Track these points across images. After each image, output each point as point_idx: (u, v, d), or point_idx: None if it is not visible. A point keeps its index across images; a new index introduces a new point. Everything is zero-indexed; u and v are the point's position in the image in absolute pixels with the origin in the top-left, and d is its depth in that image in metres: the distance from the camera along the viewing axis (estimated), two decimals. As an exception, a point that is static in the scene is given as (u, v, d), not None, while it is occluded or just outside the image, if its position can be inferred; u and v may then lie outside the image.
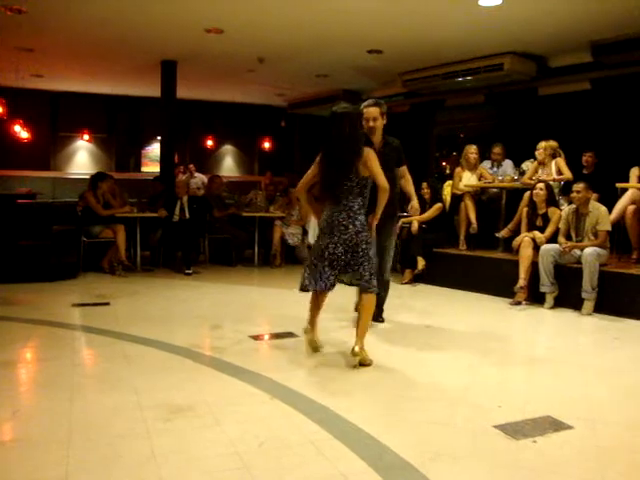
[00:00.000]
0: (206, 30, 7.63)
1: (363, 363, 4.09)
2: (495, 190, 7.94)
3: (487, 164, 8.18)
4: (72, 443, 2.82)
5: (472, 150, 8.00)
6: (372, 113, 4.91)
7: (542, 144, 7.27)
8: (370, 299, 4.20)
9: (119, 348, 4.52)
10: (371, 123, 4.91)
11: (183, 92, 10.31)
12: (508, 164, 8.02)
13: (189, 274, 8.15)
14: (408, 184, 5.44)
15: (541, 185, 6.66)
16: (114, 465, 2.62)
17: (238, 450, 2.76)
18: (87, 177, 9.04)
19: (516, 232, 6.92)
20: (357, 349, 4.07)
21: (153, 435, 2.92)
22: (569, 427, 3.11)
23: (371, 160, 4.14)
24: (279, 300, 6.76)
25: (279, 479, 2.52)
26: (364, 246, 4.12)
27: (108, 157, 13.97)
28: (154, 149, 13.90)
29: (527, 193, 6.92)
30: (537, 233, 6.52)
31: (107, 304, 6.14)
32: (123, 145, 14.03)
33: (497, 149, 8.13)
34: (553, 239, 6.41)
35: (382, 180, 4.13)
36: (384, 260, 5.26)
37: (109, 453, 2.73)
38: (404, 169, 5.30)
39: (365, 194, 4.20)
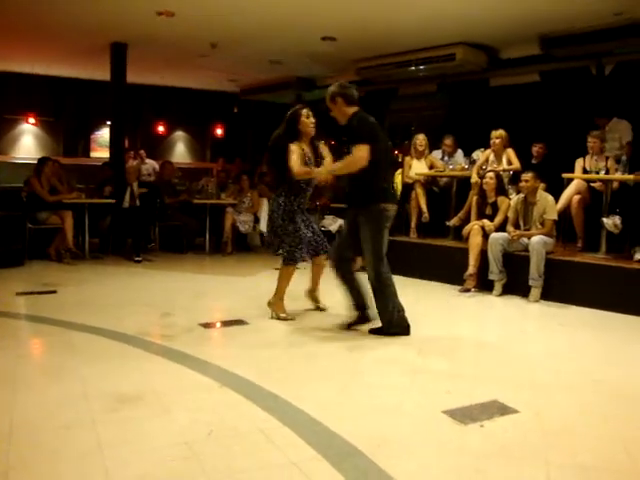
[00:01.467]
0: (157, 13, 7.46)
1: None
2: (446, 179, 8.04)
3: (438, 154, 8.27)
4: (14, 437, 2.73)
5: (420, 138, 8.11)
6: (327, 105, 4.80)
7: (497, 133, 7.36)
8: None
9: (65, 337, 4.41)
10: (332, 113, 4.78)
11: (134, 76, 10.07)
12: (459, 154, 8.13)
13: (139, 261, 8.02)
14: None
15: (491, 174, 6.77)
16: (58, 458, 2.55)
17: (187, 439, 2.73)
18: (33, 162, 8.76)
19: (466, 220, 7.03)
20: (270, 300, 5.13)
21: (99, 425, 2.85)
22: (515, 411, 3.18)
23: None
24: (230, 288, 6.71)
25: (228, 468, 2.50)
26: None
27: (55, 142, 13.59)
28: (103, 134, 13.59)
29: (477, 181, 7.02)
30: (486, 221, 6.62)
31: (54, 292, 5.99)
32: (71, 130, 13.67)
33: (448, 141, 8.24)
34: (502, 227, 6.53)
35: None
36: (368, 264, 4.70)
37: (53, 445, 2.66)
38: (352, 149, 4.50)
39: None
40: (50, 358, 4.02)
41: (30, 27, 8.50)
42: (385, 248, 4.63)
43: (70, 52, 10.19)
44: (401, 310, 4.68)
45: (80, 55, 10.35)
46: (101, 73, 10.15)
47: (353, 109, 4.63)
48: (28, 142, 13.34)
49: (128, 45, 9.32)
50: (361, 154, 4.41)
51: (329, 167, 4.86)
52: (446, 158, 8.17)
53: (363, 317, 4.80)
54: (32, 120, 13.15)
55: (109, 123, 10.62)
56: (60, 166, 8.50)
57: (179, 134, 14.80)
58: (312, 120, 5.06)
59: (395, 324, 4.63)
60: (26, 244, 7.80)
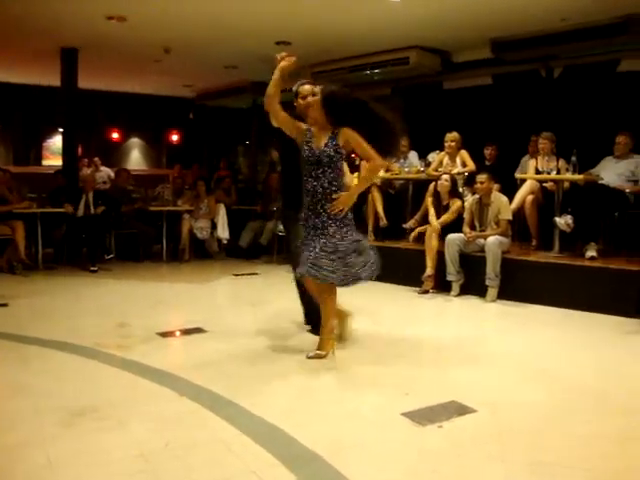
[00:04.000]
0: (108, 17, 7.34)
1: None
2: (402, 181, 8.10)
3: (393, 156, 8.32)
4: (-39, 454, 2.65)
5: None
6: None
7: (452, 135, 7.46)
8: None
9: (18, 351, 4.29)
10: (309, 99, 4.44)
11: (86, 82, 9.89)
12: (413, 155, 8.19)
13: (94, 271, 7.86)
14: None
15: (446, 177, 6.85)
16: (6, 477, 2.47)
17: (143, 452, 2.67)
18: (-18, 171, 8.51)
19: (423, 223, 7.08)
20: None
21: (52, 441, 2.78)
22: (473, 411, 3.21)
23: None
24: (188, 296, 6.63)
25: (186, 478, 2.46)
26: None
27: (5, 150, 13.26)
28: (56, 142, 13.31)
29: (432, 184, 7.09)
30: (432, 221, 6.69)
31: (5, 305, 5.80)
32: (21, 137, 13.35)
33: (403, 142, 8.28)
34: (457, 229, 6.60)
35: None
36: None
37: (2, 465, 2.58)
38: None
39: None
40: (1, 373, 3.90)
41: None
42: None
43: (18, 57, 9.96)
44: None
45: (29, 60, 10.12)
46: (52, 79, 9.94)
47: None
48: (-24, 150, 12.99)
49: (79, 50, 9.15)
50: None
51: (356, 188, 4.39)
52: (402, 160, 8.23)
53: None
54: (-21, 128, 12.81)
55: (61, 130, 10.39)
56: (10, 175, 8.28)
57: (134, 141, 14.61)
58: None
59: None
60: (-25, 256, 7.57)
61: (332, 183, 4.04)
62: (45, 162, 13.60)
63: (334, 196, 4.03)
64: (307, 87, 4.60)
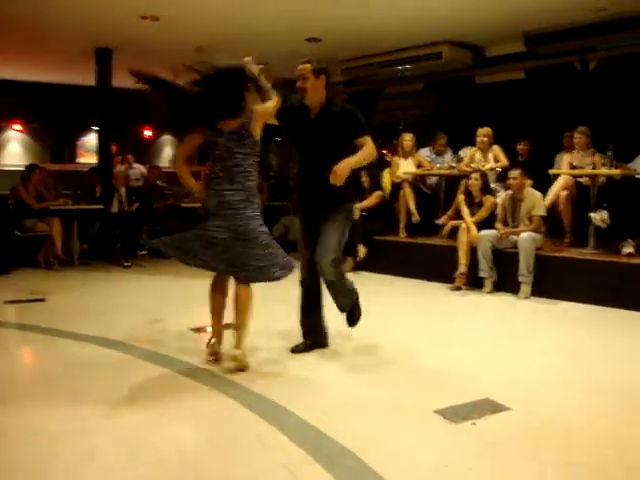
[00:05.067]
0: (141, 17, 7.45)
1: (241, 369, 3.72)
2: (435, 178, 8.07)
3: (426, 152, 8.28)
4: (3, 446, 2.72)
5: (407, 138, 8.13)
6: (300, 70, 4.08)
7: (484, 131, 7.40)
8: (247, 292, 3.86)
9: (55, 346, 4.38)
10: (299, 83, 4.09)
11: (120, 81, 10.00)
12: (449, 154, 8.15)
13: (128, 267, 7.99)
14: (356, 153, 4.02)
15: (476, 175, 6.79)
16: (50, 466, 2.54)
17: (181, 446, 2.72)
18: (20, 169, 8.72)
19: (455, 218, 7.03)
20: (238, 353, 3.71)
21: (92, 433, 2.84)
22: (507, 409, 3.18)
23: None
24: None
25: (224, 473, 2.50)
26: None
27: (42, 148, 13.52)
28: (90, 140, 13.52)
29: (463, 181, 7.04)
30: (467, 219, 6.64)
31: (42, 300, 5.94)
32: (57, 136, 13.59)
33: (441, 141, 8.28)
34: (490, 225, 6.54)
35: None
36: (320, 256, 4.07)
37: (45, 454, 2.64)
38: (362, 140, 4.00)
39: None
40: (40, 367, 4.00)
41: (14, 34, 8.46)
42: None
43: (55, 58, 10.15)
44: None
45: (65, 61, 10.31)
46: (87, 78, 10.09)
47: (326, 94, 4.08)
48: (15, 149, 13.26)
49: (113, 50, 9.28)
50: (373, 145, 4.05)
51: (349, 160, 3.91)
52: (433, 156, 8.19)
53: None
54: (18, 127, 13.07)
55: (96, 128, 10.55)
56: (47, 173, 8.45)
57: (166, 138, 14.75)
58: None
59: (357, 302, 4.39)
60: (14, 252, 7.74)
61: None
62: (80, 160, 13.83)
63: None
64: (300, 67, 4.15)
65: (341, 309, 4.31)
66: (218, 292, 4.02)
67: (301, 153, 4.25)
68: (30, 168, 8.22)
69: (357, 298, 4.39)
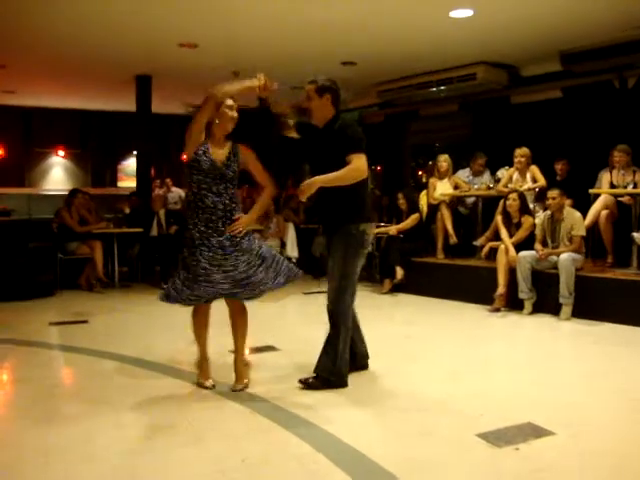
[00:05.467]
0: (180, 45, 7.63)
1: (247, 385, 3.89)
2: (472, 199, 8.03)
3: (464, 173, 8.25)
4: (49, 466, 2.77)
5: (442, 159, 8.13)
6: (305, 92, 4.07)
7: (521, 151, 7.35)
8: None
9: (98, 366, 4.46)
10: (305, 104, 4.11)
11: (159, 106, 10.26)
12: (488, 174, 8.10)
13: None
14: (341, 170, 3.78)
15: (514, 195, 6.73)
16: (94, 486, 2.58)
17: (221, 467, 2.73)
18: (63, 193, 8.97)
19: (494, 239, 6.97)
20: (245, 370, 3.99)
21: (134, 455, 2.88)
22: (551, 433, 3.13)
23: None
24: (259, 313, 6.67)
25: (263, 495, 2.51)
26: None
27: (83, 173, 13.87)
28: (130, 164, 13.82)
29: (502, 202, 6.99)
30: (505, 241, 6.58)
31: (85, 322, 6.07)
32: (98, 160, 13.93)
33: (480, 160, 8.23)
34: (529, 246, 6.47)
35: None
36: (331, 288, 3.99)
37: (88, 474, 2.69)
38: (349, 158, 3.77)
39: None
40: (83, 387, 4.07)
41: (58, 63, 8.75)
42: (356, 278, 4.02)
43: (96, 86, 10.45)
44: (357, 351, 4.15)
45: (106, 88, 10.60)
46: (127, 104, 10.37)
47: (334, 112, 4.00)
48: (58, 174, 13.62)
49: (152, 77, 9.51)
50: (363, 163, 3.79)
51: (320, 177, 3.79)
52: (471, 177, 8.15)
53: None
54: (61, 152, 13.45)
55: (135, 153, 10.79)
56: (89, 197, 8.66)
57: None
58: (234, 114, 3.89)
59: (336, 372, 3.91)
60: (57, 274, 7.92)
61: (233, 200, 3.80)
62: (120, 184, 14.13)
63: (236, 216, 3.78)
64: (306, 88, 4.14)
65: (322, 358, 3.97)
66: (204, 314, 4.13)
67: (311, 171, 4.17)
68: (73, 192, 8.44)
69: (338, 373, 3.91)
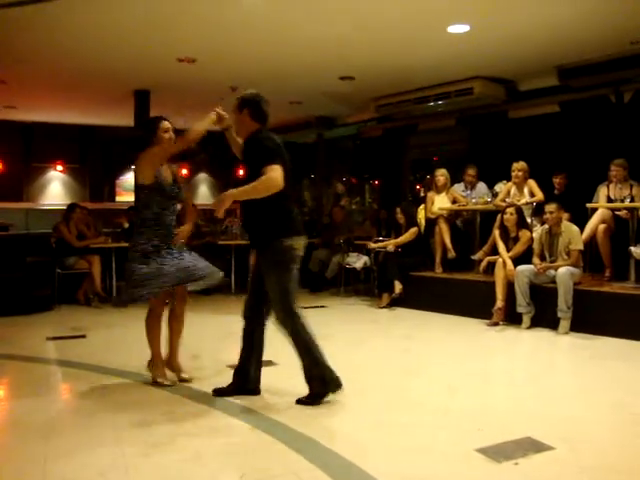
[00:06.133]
0: (178, 59, 7.66)
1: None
2: (469, 213, 8.04)
3: (460, 187, 8.27)
4: (49, 482, 2.76)
5: (440, 174, 8.18)
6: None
7: (519, 165, 7.39)
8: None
9: (96, 382, 4.45)
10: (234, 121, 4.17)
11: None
12: (482, 186, 8.12)
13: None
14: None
15: (511, 210, 6.75)
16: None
17: (219, 483, 2.72)
18: (61, 208, 8.97)
19: (492, 254, 6.98)
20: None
21: (132, 471, 2.86)
22: (550, 448, 3.12)
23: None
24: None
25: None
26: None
27: (82, 187, 13.89)
28: (128, 179, 13.85)
29: (499, 216, 7.00)
30: (503, 255, 6.59)
31: (83, 337, 6.05)
32: (97, 175, 13.96)
33: (471, 171, 8.23)
34: (527, 260, 6.48)
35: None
36: (276, 310, 3.98)
37: (87, 491, 2.67)
38: (263, 170, 3.70)
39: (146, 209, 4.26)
40: (82, 403, 4.05)
41: (56, 79, 8.79)
42: (295, 292, 3.93)
43: (95, 101, 10.49)
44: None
45: (105, 103, 10.64)
46: (125, 119, 10.39)
47: (257, 126, 3.97)
48: (56, 189, 13.65)
49: (150, 92, 9.55)
50: (276, 175, 3.68)
51: (232, 191, 3.84)
52: (468, 191, 8.17)
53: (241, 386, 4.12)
54: (60, 167, 13.47)
55: (133, 167, 10.80)
56: (88, 212, 8.66)
57: (202, 176, 15.02)
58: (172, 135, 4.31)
59: (328, 380, 3.89)
60: (55, 289, 7.91)
61: (175, 215, 4.41)
62: (118, 198, 14.15)
63: (180, 229, 4.41)
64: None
65: (304, 374, 3.94)
66: (158, 317, 4.55)
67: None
68: (71, 207, 8.44)
69: (328, 379, 3.88)
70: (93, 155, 13.86)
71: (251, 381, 4.11)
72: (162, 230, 4.24)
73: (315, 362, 3.87)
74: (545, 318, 6.27)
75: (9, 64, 7.92)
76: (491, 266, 6.77)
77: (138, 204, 4.46)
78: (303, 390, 4.03)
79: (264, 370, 4.65)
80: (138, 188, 4.36)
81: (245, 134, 4.02)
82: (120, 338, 6.10)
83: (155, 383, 4.31)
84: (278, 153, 3.82)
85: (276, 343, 5.68)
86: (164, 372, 4.39)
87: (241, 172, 14.58)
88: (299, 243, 3.88)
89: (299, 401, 3.88)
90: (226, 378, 4.52)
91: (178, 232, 4.38)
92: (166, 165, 4.35)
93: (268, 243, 3.86)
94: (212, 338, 6.11)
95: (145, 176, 4.18)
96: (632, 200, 6.52)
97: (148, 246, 4.19)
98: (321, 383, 3.87)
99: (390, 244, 7.99)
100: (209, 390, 4.15)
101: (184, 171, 13.87)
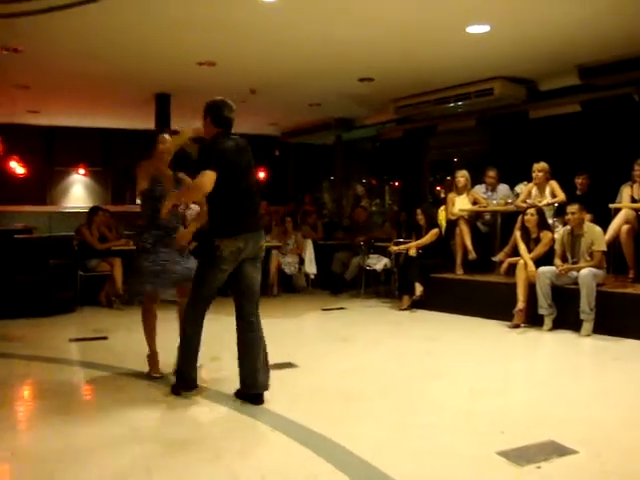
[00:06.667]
0: (199, 63, 7.71)
1: None
2: (490, 215, 7.99)
3: (481, 188, 8.21)
4: (71, 482, 2.79)
5: (460, 175, 8.12)
6: None
7: (539, 166, 7.33)
8: None
9: (118, 383, 4.49)
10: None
11: (178, 124, 10.35)
12: (503, 188, 8.04)
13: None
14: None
15: (532, 211, 6.69)
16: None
17: (239, 485, 2.73)
18: (83, 211, 9.06)
19: (513, 255, 6.92)
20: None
21: (153, 471, 2.88)
22: (573, 451, 3.08)
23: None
24: (277, 330, 6.69)
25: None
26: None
27: (104, 190, 14.02)
28: (150, 181, 13.93)
29: (520, 217, 6.94)
30: (524, 256, 6.53)
31: (105, 338, 6.10)
32: (118, 178, 14.08)
33: (491, 173, 8.17)
34: (549, 261, 6.42)
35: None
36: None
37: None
38: (198, 175, 3.96)
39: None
40: (104, 404, 4.08)
41: (79, 83, 8.89)
42: (211, 294, 4.16)
43: (117, 105, 10.59)
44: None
45: (126, 107, 10.74)
46: (146, 122, 10.48)
47: (219, 130, 4.20)
48: (78, 191, 13.79)
49: (171, 95, 9.62)
50: (203, 180, 3.87)
51: (170, 193, 4.38)
52: (489, 193, 8.11)
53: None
54: (82, 170, 13.62)
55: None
56: (110, 214, 8.75)
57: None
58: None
59: (179, 373, 4.18)
60: (78, 291, 7.99)
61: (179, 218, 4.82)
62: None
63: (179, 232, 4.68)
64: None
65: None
66: (153, 315, 4.90)
67: None
68: (94, 210, 8.52)
69: (186, 357, 4.19)
70: (115, 158, 13.98)
71: (248, 387, 4.02)
72: (159, 232, 4.58)
73: (183, 357, 4.18)
74: (567, 320, 6.20)
75: (33, 70, 8.04)
76: (512, 267, 6.70)
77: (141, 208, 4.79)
78: (324, 392, 4.04)
79: (283, 372, 4.67)
80: (139, 194, 4.74)
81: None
82: (141, 339, 6.06)
83: (150, 376, 4.57)
84: (215, 159, 4.00)
85: (295, 345, 5.72)
86: (156, 367, 4.67)
87: (261, 174, 14.71)
88: (226, 245, 3.97)
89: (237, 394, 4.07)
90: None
91: (177, 235, 4.62)
92: (169, 174, 4.69)
93: (207, 238, 4.13)
94: (231, 340, 6.08)
95: (140, 183, 4.62)
96: (656, 200, 6.43)
97: (145, 244, 4.59)
98: (180, 378, 4.17)
99: (412, 246, 7.95)
100: (228, 392, 4.15)
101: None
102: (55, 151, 13.38)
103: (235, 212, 4.04)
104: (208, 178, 3.88)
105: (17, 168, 11.33)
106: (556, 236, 6.63)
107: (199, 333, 4.23)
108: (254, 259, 4.13)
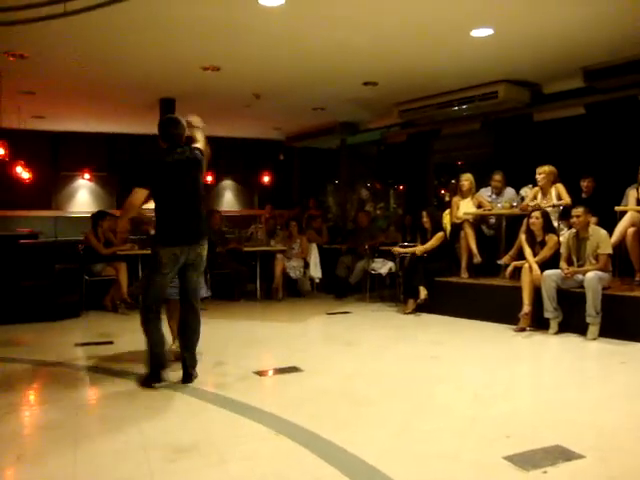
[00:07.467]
0: (203, 68, 7.74)
1: None
2: (494, 218, 7.97)
3: (486, 192, 8.19)
4: (76, 487, 2.79)
5: (464, 179, 8.09)
6: None
7: (543, 169, 7.31)
8: None
9: (123, 387, 4.49)
10: None
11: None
12: (510, 192, 8.01)
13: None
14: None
15: (537, 214, 6.67)
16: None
17: (244, 490, 2.72)
18: (88, 215, 9.08)
19: (518, 258, 6.91)
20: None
21: (157, 477, 2.88)
22: (580, 456, 3.06)
23: None
24: (282, 334, 6.72)
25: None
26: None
27: (109, 195, 14.03)
28: (154, 186, 13.94)
29: (525, 220, 6.92)
30: (530, 260, 6.51)
31: (110, 343, 6.12)
32: (124, 183, 14.10)
33: (498, 176, 8.14)
34: (554, 264, 6.40)
35: None
36: None
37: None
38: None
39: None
40: (109, 408, 4.09)
41: (85, 89, 8.92)
42: (157, 294, 4.50)
43: (122, 110, 10.62)
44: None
45: (131, 112, 10.76)
46: (151, 127, 10.48)
47: (166, 145, 4.59)
48: (84, 196, 13.80)
49: (176, 100, 9.64)
50: (131, 198, 4.47)
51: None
52: (494, 196, 8.09)
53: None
54: (87, 175, 13.64)
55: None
56: (115, 219, 8.76)
57: (227, 182, 15.08)
58: None
59: (154, 370, 4.52)
60: (83, 296, 8.02)
61: None
62: (145, 206, 14.24)
63: None
64: None
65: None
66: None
67: None
68: (100, 215, 8.54)
69: (151, 352, 4.52)
70: (120, 163, 14.01)
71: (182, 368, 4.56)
72: None
73: (151, 351, 4.49)
74: (573, 323, 6.18)
75: (38, 75, 8.08)
76: (517, 271, 6.68)
77: None
78: (329, 396, 4.03)
79: (288, 376, 4.68)
80: None
81: None
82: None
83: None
84: (145, 176, 4.47)
85: (300, 350, 5.71)
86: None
87: (266, 178, 14.73)
88: (164, 252, 4.40)
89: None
90: (251, 384, 4.55)
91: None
92: None
93: (151, 245, 4.62)
94: (237, 344, 6.13)
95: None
96: (662, 203, 6.40)
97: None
98: (150, 371, 4.49)
99: (418, 250, 7.93)
100: (233, 396, 4.16)
101: (209, 177, 13.97)
102: (60, 156, 13.40)
103: (170, 224, 4.46)
104: (136, 195, 4.40)
105: (22, 173, 11.34)
106: (561, 239, 6.62)
107: (158, 329, 4.54)
108: (194, 265, 4.53)
